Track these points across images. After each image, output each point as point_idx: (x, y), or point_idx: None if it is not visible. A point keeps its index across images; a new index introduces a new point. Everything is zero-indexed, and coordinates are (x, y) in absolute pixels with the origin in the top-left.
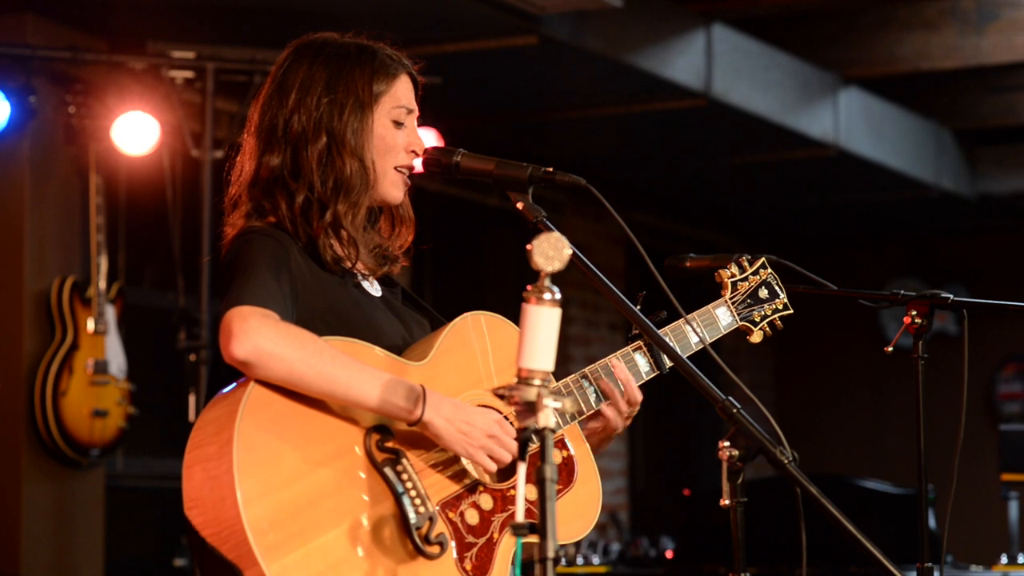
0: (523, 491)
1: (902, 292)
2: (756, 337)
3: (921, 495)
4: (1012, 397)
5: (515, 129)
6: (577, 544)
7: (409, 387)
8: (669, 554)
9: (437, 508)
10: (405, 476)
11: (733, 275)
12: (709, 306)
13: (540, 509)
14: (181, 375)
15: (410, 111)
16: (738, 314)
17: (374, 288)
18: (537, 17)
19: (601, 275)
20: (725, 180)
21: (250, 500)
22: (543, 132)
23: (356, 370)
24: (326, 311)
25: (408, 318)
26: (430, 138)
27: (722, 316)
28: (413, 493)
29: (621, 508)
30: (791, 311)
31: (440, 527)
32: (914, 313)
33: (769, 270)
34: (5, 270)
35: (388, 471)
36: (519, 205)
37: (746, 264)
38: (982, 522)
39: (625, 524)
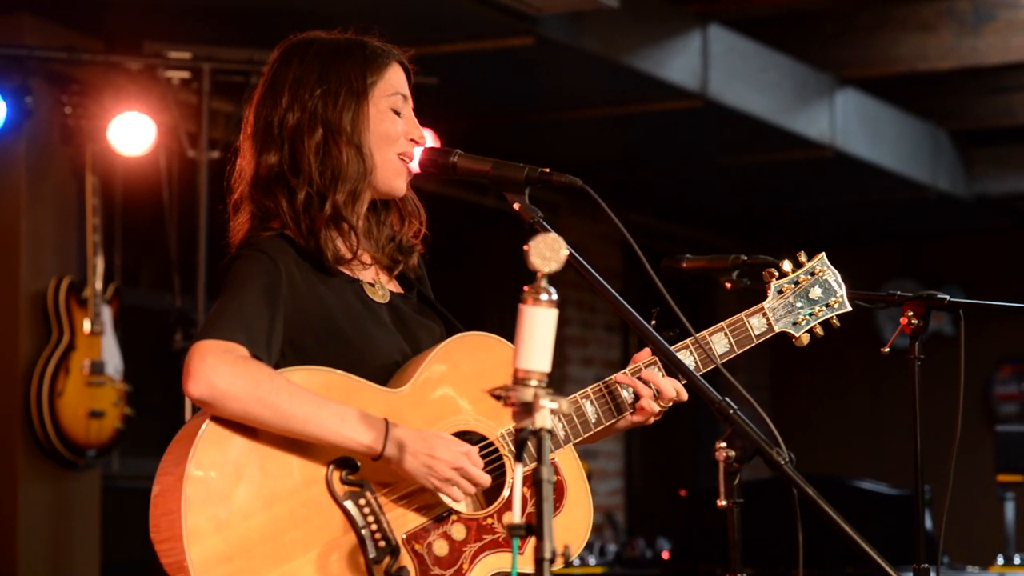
0: (520, 493)
1: (898, 293)
2: (804, 340)
3: (917, 496)
4: (1008, 398)
5: (511, 130)
6: None
7: (371, 422)
8: (665, 555)
9: (403, 538)
10: (367, 510)
11: (785, 274)
12: (742, 313)
13: (537, 510)
14: (177, 376)
15: (406, 98)
16: (776, 320)
17: (381, 294)
18: (533, 18)
19: (598, 276)
20: (721, 181)
21: (196, 537)
22: (539, 133)
23: (315, 406)
24: (318, 328)
25: (416, 327)
26: (427, 139)
27: (755, 324)
28: (374, 527)
29: (617, 509)
30: (849, 309)
31: (404, 560)
32: (910, 314)
33: (826, 267)
34: (1, 271)
35: (349, 505)
36: (516, 206)
37: (803, 259)
38: (978, 523)
39: (621, 525)
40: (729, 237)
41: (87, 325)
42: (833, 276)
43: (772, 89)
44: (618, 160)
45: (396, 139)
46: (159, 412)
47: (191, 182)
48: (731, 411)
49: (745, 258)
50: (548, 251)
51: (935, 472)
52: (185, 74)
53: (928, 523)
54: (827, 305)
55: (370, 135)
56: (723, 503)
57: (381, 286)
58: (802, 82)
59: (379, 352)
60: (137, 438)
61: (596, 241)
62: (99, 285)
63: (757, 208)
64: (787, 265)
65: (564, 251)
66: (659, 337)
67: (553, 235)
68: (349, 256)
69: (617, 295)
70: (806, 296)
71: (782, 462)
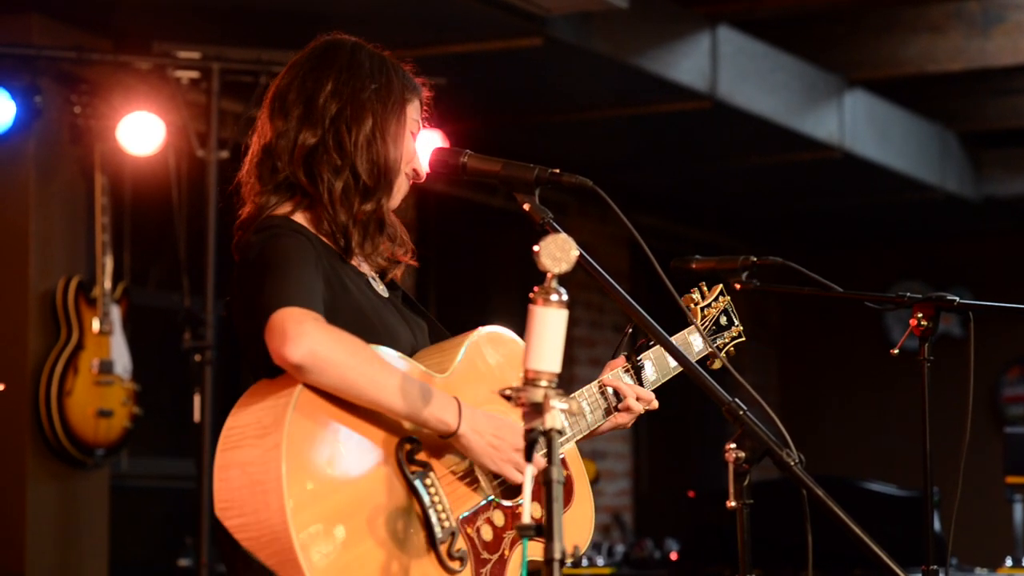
0: (530, 492)
1: (908, 295)
2: (717, 364)
3: (926, 497)
4: (1017, 400)
5: (520, 130)
6: None
7: (447, 399)
8: (673, 556)
9: (458, 523)
10: (433, 490)
11: (697, 302)
12: (684, 331)
13: (546, 511)
14: (186, 375)
15: (419, 129)
16: (711, 340)
17: (381, 290)
18: (542, 19)
19: (608, 277)
20: (730, 182)
21: (298, 510)
22: (548, 134)
23: (401, 379)
24: (347, 311)
25: (412, 322)
26: (436, 139)
27: (695, 342)
28: (440, 507)
29: (625, 510)
30: (744, 339)
31: (460, 542)
32: (920, 315)
33: (727, 298)
34: (10, 270)
35: (418, 484)
36: (526, 206)
37: (706, 291)
38: (987, 525)
39: (629, 525)
40: (738, 238)
41: (96, 324)
42: (731, 308)
43: (781, 90)
44: (627, 161)
45: (411, 159)
46: (168, 411)
47: (200, 182)
48: (741, 412)
49: (754, 259)
50: (558, 252)
51: (944, 473)
52: (194, 74)
53: (937, 524)
54: (732, 335)
55: (403, 145)
56: (732, 504)
57: (378, 283)
58: (811, 83)
59: (398, 340)
60: (146, 437)
61: (605, 242)
62: (108, 284)
63: (766, 209)
64: (696, 295)
65: (574, 252)
66: (668, 337)
67: (563, 236)
68: (358, 250)
69: (627, 296)
70: (718, 322)
71: (792, 463)
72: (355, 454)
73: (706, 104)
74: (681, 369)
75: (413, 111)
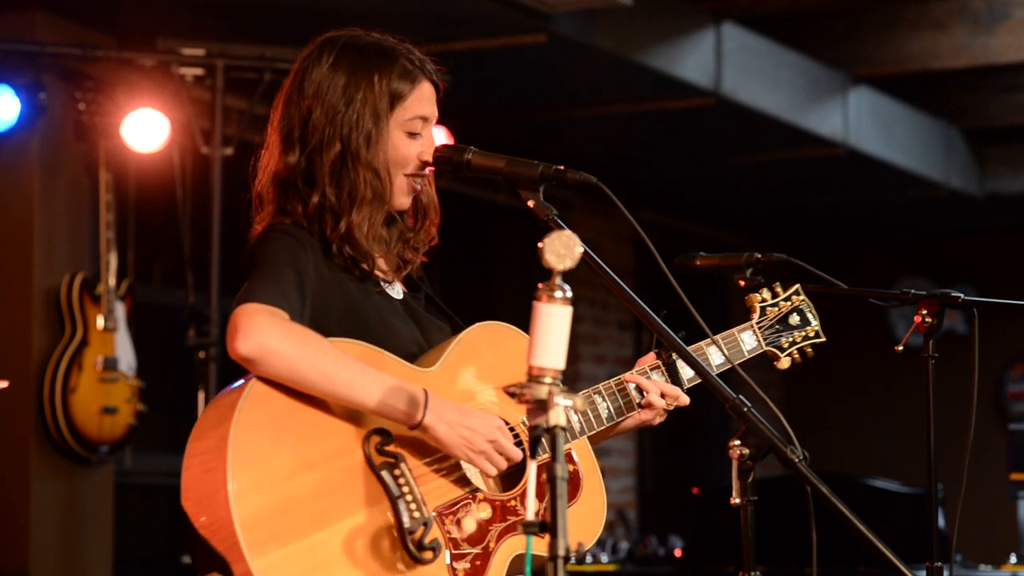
0: (534, 489)
1: (912, 291)
2: (784, 363)
3: (930, 494)
4: (1022, 396)
5: (525, 127)
6: None
7: (412, 391)
8: (678, 553)
9: (433, 514)
10: (402, 480)
11: (764, 300)
12: (734, 329)
13: (551, 508)
14: (190, 372)
15: (426, 120)
16: (764, 339)
17: (395, 291)
18: (546, 15)
19: (612, 274)
20: (734, 178)
21: (241, 494)
22: (552, 130)
23: (359, 371)
24: (341, 313)
25: (428, 324)
26: (440, 136)
27: (747, 340)
28: (409, 498)
29: (629, 507)
30: (823, 339)
31: (435, 533)
32: (924, 312)
33: (803, 297)
34: (15, 267)
35: (385, 474)
36: (530, 203)
37: (779, 290)
38: (991, 522)
39: (634, 523)
40: (742, 235)
41: (100, 321)
42: (808, 307)
43: (785, 87)
44: (631, 158)
45: (409, 162)
46: (172, 408)
47: (204, 179)
48: (745, 409)
49: (759, 256)
50: (563, 248)
51: (948, 470)
52: (199, 71)
53: (941, 521)
54: (805, 334)
55: (387, 158)
56: (736, 501)
57: (393, 285)
58: (815, 80)
59: (399, 340)
60: (150, 434)
61: (609, 238)
62: (112, 281)
63: (770, 206)
64: (766, 293)
65: (579, 248)
66: (673, 334)
67: (568, 232)
68: (365, 267)
69: (631, 292)
70: (786, 321)
71: (796, 460)
72: (313, 444)
73: (710, 101)
74: (726, 367)
75: (407, 111)
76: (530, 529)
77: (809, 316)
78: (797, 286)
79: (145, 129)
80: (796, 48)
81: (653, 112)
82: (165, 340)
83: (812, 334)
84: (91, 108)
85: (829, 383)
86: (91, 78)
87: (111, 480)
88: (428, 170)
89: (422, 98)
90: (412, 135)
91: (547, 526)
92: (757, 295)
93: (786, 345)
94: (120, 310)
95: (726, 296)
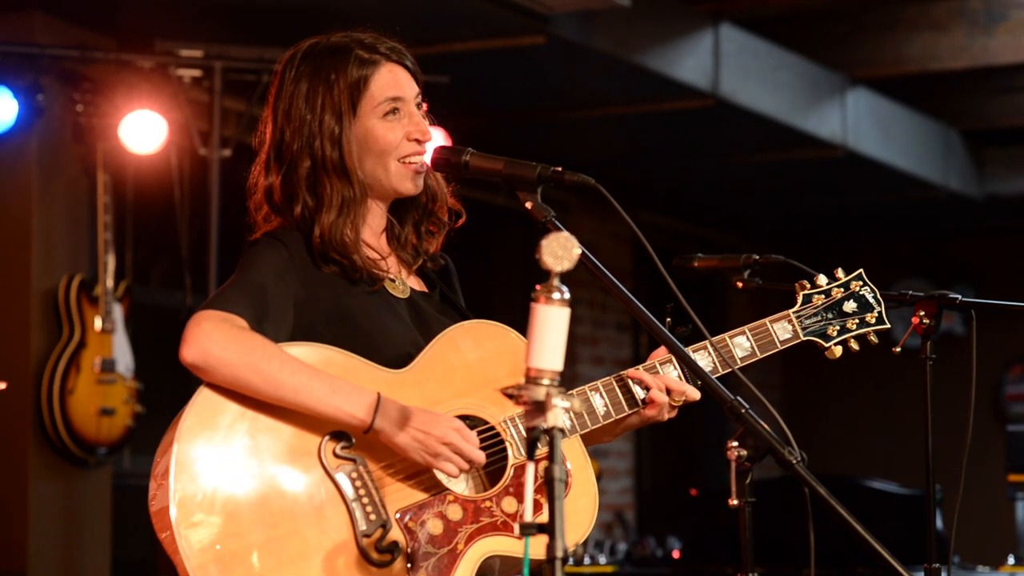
0: (531, 490)
1: (910, 292)
2: (835, 352)
3: (928, 496)
4: (1020, 398)
5: (523, 128)
6: (584, 544)
7: (362, 394)
8: (676, 554)
9: (396, 514)
10: (359, 483)
11: (818, 286)
12: (766, 319)
13: (549, 509)
14: (188, 374)
15: (397, 99)
16: (804, 328)
17: (401, 290)
18: (545, 17)
19: (610, 275)
20: (733, 180)
21: (184, 500)
22: (551, 131)
23: (306, 376)
24: (330, 314)
25: (435, 324)
26: (438, 137)
27: (780, 330)
28: (365, 500)
29: (627, 508)
30: (887, 326)
31: (395, 535)
32: (922, 313)
33: (863, 282)
34: (13, 268)
35: (340, 477)
36: (528, 205)
37: (840, 275)
38: (989, 523)
39: (632, 524)
40: (740, 236)
41: (98, 323)
42: (872, 293)
43: (784, 88)
44: (630, 159)
45: (395, 146)
46: (170, 410)
47: (202, 180)
48: (743, 410)
49: (757, 257)
50: (560, 250)
51: (946, 472)
52: (197, 72)
53: (939, 523)
54: (863, 320)
55: (365, 153)
56: (735, 502)
57: (402, 282)
58: (814, 81)
59: (391, 342)
60: (148, 436)
61: (607, 240)
62: (110, 283)
63: (768, 207)
64: (822, 278)
65: (576, 250)
66: (671, 336)
67: (565, 234)
68: (330, 264)
69: (629, 294)
70: (838, 308)
71: (794, 461)
72: (266, 449)
73: (709, 102)
74: (752, 359)
75: (373, 98)
76: (527, 530)
77: (871, 302)
78: (860, 271)
79: (143, 131)
80: (795, 49)
81: (651, 113)
82: (163, 341)
83: (872, 320)
84: (89, 110)
85: (827, 384)
86: (89, 79)
87: (109, 481)
88: (428, 157)
89: (386, 81)
90: (390, 117)
91: (545, 527)
92: (808, 282)
93: (834, 334)
94: (118, 311)
95: (725, 298)
